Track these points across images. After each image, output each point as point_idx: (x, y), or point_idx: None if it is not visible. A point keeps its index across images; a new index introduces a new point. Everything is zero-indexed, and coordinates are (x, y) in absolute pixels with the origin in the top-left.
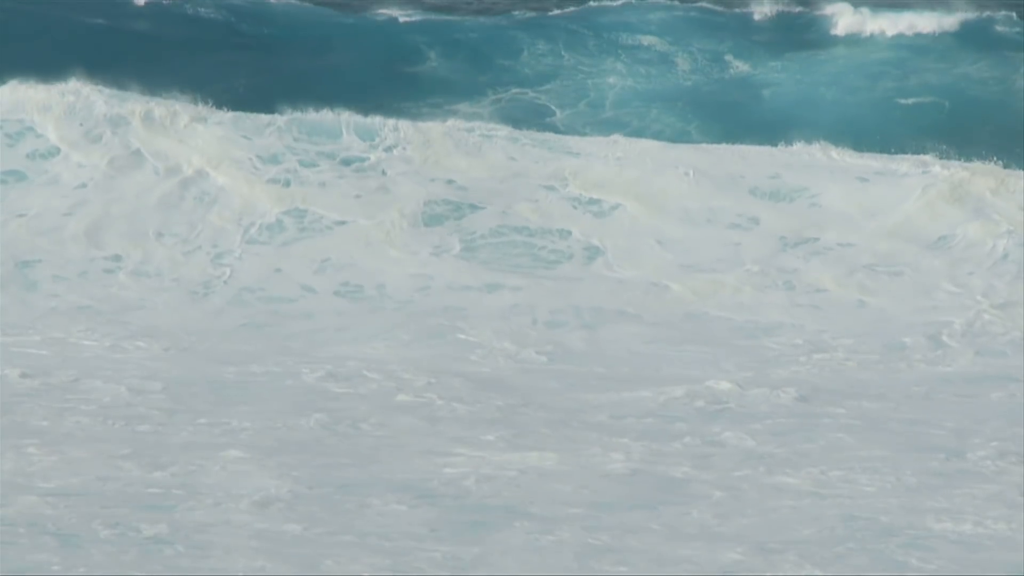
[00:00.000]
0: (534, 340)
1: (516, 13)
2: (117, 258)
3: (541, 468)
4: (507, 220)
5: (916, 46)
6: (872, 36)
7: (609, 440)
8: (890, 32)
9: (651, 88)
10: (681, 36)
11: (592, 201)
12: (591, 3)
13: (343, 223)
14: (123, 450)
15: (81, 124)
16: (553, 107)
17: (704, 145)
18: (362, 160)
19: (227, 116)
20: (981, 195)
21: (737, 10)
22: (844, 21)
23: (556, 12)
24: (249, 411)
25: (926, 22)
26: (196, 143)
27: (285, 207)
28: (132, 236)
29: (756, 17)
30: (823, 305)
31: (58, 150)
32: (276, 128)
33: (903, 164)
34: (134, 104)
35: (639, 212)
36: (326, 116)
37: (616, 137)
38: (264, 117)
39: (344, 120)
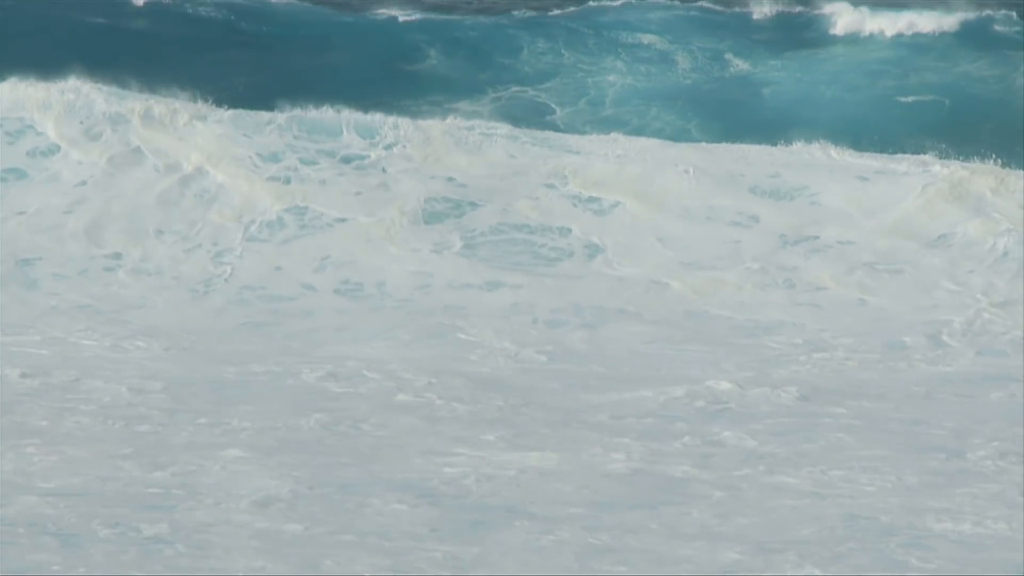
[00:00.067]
0: (534, 339)
1: (516, 12)
2: (117, 256)
3: (541, 468)
4: (507, 218)
5: (916, 44)
6: (872, 35)
7: (609, 440)
8: (890, 31)
9: (651, 86)
10: (681, 35)
11: (592, 199)
12: (591, 3)
13: (343, 220)
14: (123, 450)
15: (81, 122)
16: (553, 105)
17: (704, 144)
18: (362, 158)
19: (227, 114)
20: (981, 194)
21: (737, 9)
22: (844, 20)
23: (556, 12)
24: (249, 411)
25: (926, 21)
26: (196, 141)
27: (285, 205)
28: (132, 234)
29: (756, 16)
30: (823, 303)
31: (58, 148)
32: (276, 126)
33: (903, 163)
34: (134, 102)
35: (639, 210)
36: (326, 114)
37: (616, 135)
38: (264, 115)
39: (344, 118)
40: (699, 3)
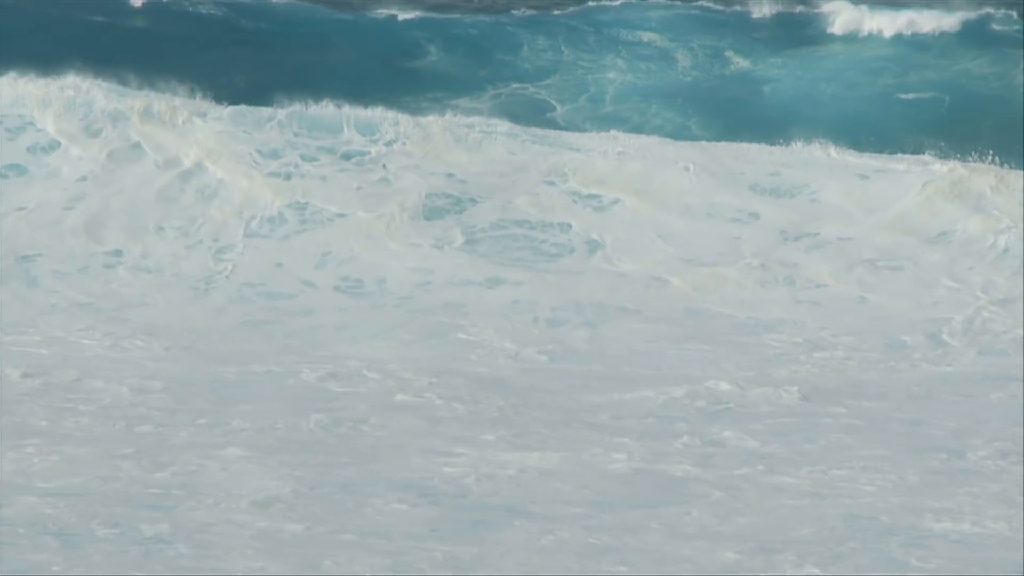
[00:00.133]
0: (535, 338)
1: (515, 12)
2: (118, 253)
3: (542, 468)
4: (507, 214)
5: (916, 42)
6: (870, 35)
7: (610, 440)
8: (890, 30)
9: (651, 84)
10: (681, 33)
11: (592, 196)
12: (590, 2)
13: (344, 216)
14: (124, 450)
15: (81, 119)
16: (553, 102)
17: (704, 143)
18: (362, 154)
19: (227, 111)
20: (981, 191)
21: (737, 8)
22: (844, 19)
23: (556, 13)
24: (250, 411)
25: (926, 20)
26: (196, 137)
27: (286, 201)
28: (133, 230)
29: (755, 15)
30: (823, 301)
31: (58, 144)
32: (276, 123)
33: (903, 163)
34: (134, 99)
35: (639, 206)
36: (326, 110)
37: (615, 133)
38: (264, 112)
39: (344, 115)
40: (699, 2)
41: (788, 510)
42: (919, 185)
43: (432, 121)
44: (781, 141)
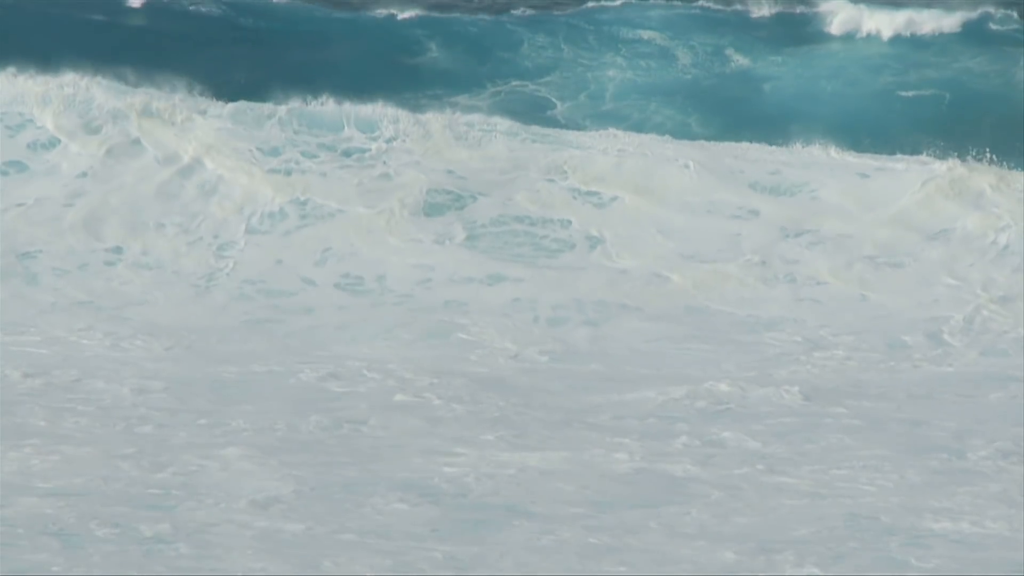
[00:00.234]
0: (536, 338)
1: (515, 12)
2: (118, 250)
3: (542, 468)
4: (508, 210)
5: (916, 41)
6: (869, 35)
7: (610, 440)
8: (889, 29)
9: (651, 81)
10: (681, 31)
11: (592, 193)
12: (590, 3)
13: (344, 213)
14: (124, 450)
15: (81, 117)
16: (553, 99)
17: (704, 142)
18: (363, 151)
19: (227, 109)
20: (981, 190)
21: (737, 7)
22: (843, 18)
23: (556, 13)
24: (250, 411)
25: (925, 19)
26: (196, 135)
27: (286, 197)
28: (133, 227)
29: (755, 15)
30: (824, 299)
31: (58, 141)
32: (277, 120)
33: (902, 162)
34: (133, 97)
35: (639, 203)
36: (326, 108)
37: (615, 131)
38: (265, 110)
39: (344, 112)
40: (699, 2)
41: (788, 510)
42: (919, 183)
43: (432, 118)
44: (781, 139)
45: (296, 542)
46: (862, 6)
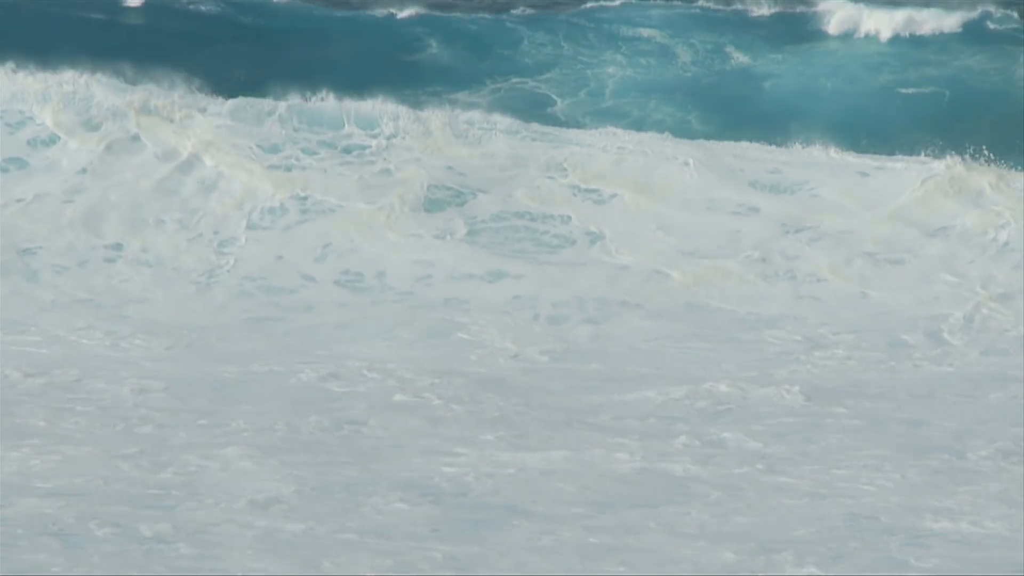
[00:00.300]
0: (536, 337)
1: (515, 11)
2: (118, 246)
3: (543, 468)
4: (508, 206)
5: (916, 39)
6: (867, 35)
7: (611, 440)
8: (889, 29)
9: (651, 78)
10: (681, 29)
11: (591, 190)
12: (589, 4)
13: (344, 209)
14: (124, 450)
15: (80, 114)
16: (553, 96)
17: (704, 142)
18: (363, 148)
19: (227, 106)
20: (980, 188)
21: (737, 6)
22: (843, 17)
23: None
24: (250, 411)
25: (925, 18)
26: (196, 132)
27: (286, 193)
28: (133, 224)
29: (755, 14)
30: (824, 296)
31: (58, 138)
32: (277, 117)
33: (902, 162)
34: (133, 94)
35: (639, 200)
36: (327, 105)
37: (614, 130)
38: (265, 106)
39: (345, 109)
40: (699, 3)
41: (788, 510)
42: (919, 181)
43: (432, 116)
44: (781, 137)
45: (296, 542)
46: (861, 5)
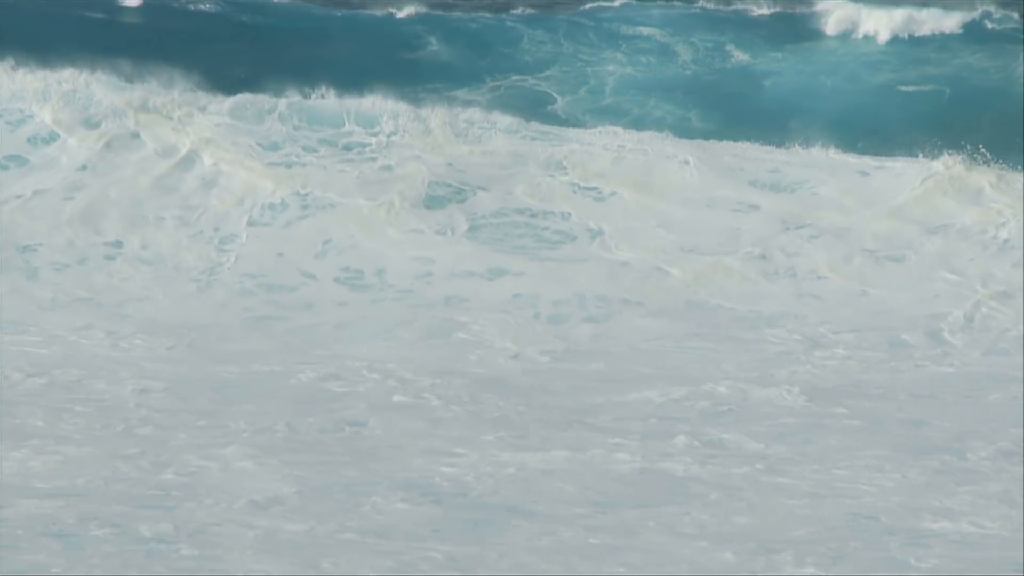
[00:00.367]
0: (537, 336)
1: (515, 11)
2: (118, 244)
3: (543, 468)
4: (508, 203)
5: (916, 38)
6: (866, 36)
7: (612, 440)
8: (888, 29)
9: (651, 76)
10: (681, 28)
11: (591, 188)
12: (589, 4)
13: (345, 205)
14: (125, 451)
15: (80, 113)
16: (553, 94)
17: (704, 142)
18: (363, 146)
19: (227, 104)
20: (980, 186)
21: (738, 6)
22: (843, 17)
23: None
24: (251, 411)
25: (924, 18)
26: (196, 130)
27: (287, 190)
28: (133, 221)
29: (755, 14)
30: (824, 294)
31: (58, 135)
32: (277, 115)
33: (902, 162)
34: (133, 92)
35: (639, 198)
36: (327, 103)
37: (615, 129)
38: (265, 104)
39: (345, 107)
40: (699, 4)
41: (788, 510)
42: (919, 180)
43: (432, 114)
44: (781, 135)
45: (297, 542)
46: (861, 5)
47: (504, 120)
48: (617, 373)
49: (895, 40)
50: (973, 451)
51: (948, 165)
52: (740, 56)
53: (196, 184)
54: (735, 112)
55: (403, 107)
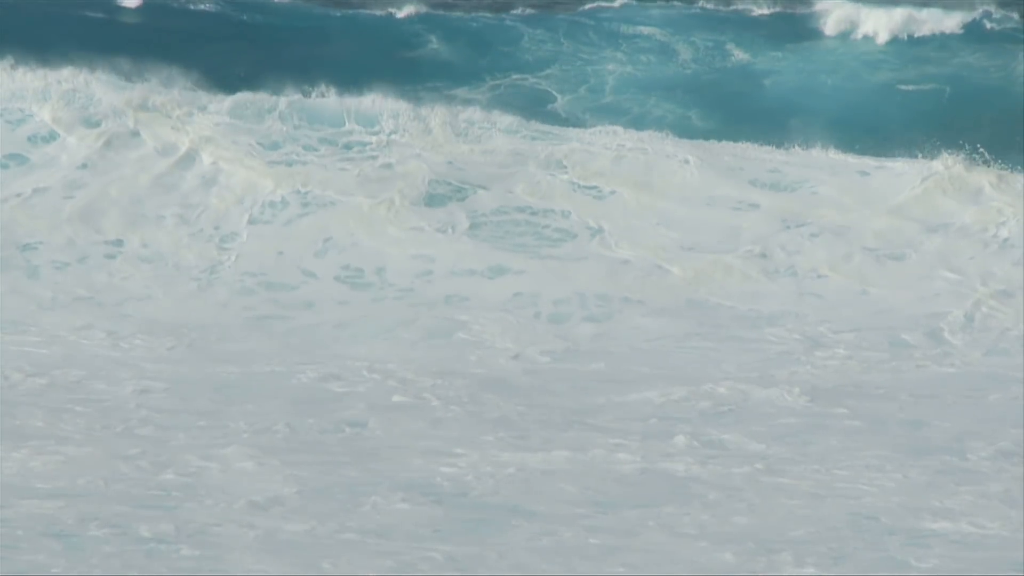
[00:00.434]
0: (538, 336)
1: (515, 11)
2: (119, 243)
3: (543, 468)
4: (508, 201)
5: (916, 37)
6: (865, 36)
7: (612, 441)
8: (888, 30)
9: (651, 75)
10: (682, 27)
11: (591, 186)
12: (588, 5)
13: (345, 203)
14: (125, 451)
15: (80, 112)
16: (553, 92)
17: (704, 142)
18: (363, 145)
19: (227, 104)
20: (980, 185)
21: (739, 6)
22: (843, 17)
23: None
24: (251, 411)
25: (925, 18)
26: (196, 129)
27: (287, 188)
28: (134, 219)
29: (755, 14)
30: (824, 293)
31: (57, 135)
32: (277, 114)
33: (902, 162)
34: (132, 92)
35: (639, 197)
36: (327, 102)
37: (615, 128)
38: (265, 103)
39: (345, 106)
40: (699, 4)
41: (788, 510)
42: (919, 179)
43: (432, 113)
44: (781, 133)
45: (297, 543)
46: (860, 5)
47: (504, 120)
48: (617, 373)
49: (895, 39)
50: (973, 451)
51: (948, 165)
52: (740, 55)
53: (196, 182)
54: (735, 111)
55: (403, 106)
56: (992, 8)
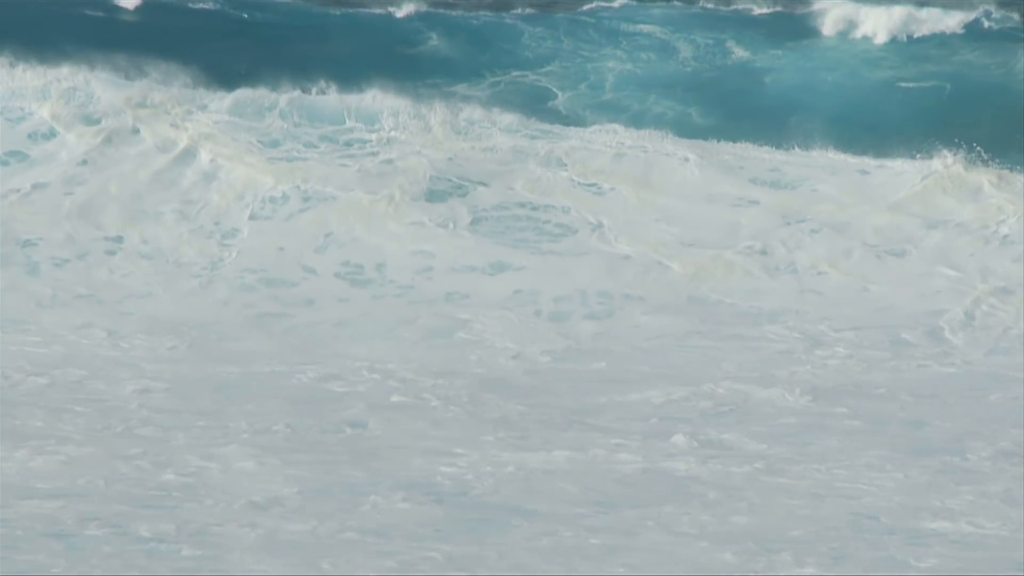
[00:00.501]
0: (538, 334)
1: (516, 11)
2: (119, 239)
3: (544, 468)
4: (508, 198)
5: (916, 36)
6: (866, 35)
7: (613, 441)
8: (887, 30)
9: (651, 73)
10: (682, 26)
11: (591, 184)
12: (588, 5)
13: (346, 198)
14: (125, 451)
15: (79, 110)
16: (553, 89)
17: (704, 142)
18: (364, 143)
19: (227, 101)
20: (980, 184)
21: (739, 6)
22: (843, 16)
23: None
24: (251, 411)
25: (925, 17)
26: (196, 127)
27: (287, 185)
28: (134, 215)
29: (755, 13)
30: (824, 291)
31: (57, 132)
32: (277, 112)
33: (902, 161)
34: (132, 90)
35: (639, 194)
36: (327, 100)
37: (615, 127)
38: (265, 101)
39: (345, 104)
40: (699, 4)
41: (788, 510)
42: (919, 178)
43: (432, 111)
44: (782, 131)
45: (297, 543)
46: (860, 4)
47: (504, 117)
48: (618, 373)
49: (895, 38)
50: (974, 451)
51: (947, 163)
52: (740, 53)
53: (196, 178)
54: (735, 109)
55: (403, 103)
56: (992, 7)
